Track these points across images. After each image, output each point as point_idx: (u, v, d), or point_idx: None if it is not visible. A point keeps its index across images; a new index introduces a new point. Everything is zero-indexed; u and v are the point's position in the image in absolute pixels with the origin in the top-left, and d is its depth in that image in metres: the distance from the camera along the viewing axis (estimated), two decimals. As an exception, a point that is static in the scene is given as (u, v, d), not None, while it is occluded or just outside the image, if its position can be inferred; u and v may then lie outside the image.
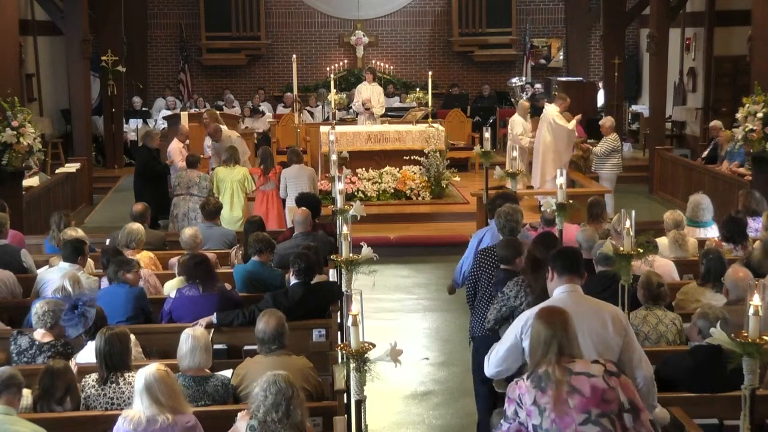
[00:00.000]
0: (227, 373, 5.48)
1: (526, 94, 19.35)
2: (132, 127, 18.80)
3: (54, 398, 5.09)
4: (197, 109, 18.73)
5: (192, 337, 5.25)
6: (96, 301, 6.06)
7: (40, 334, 5.93)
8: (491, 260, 6.40)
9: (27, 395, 5.11)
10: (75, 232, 8.15)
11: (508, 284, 5.70)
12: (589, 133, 16.01)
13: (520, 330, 4.52)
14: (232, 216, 11.21)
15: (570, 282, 4.58)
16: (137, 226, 8.16)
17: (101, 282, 7.30)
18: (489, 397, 6.18)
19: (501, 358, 4.63)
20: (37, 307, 5.98)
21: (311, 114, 18.97)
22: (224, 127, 13.30)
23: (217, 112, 14.86)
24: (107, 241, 9.03)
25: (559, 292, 4.59)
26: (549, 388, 3.82)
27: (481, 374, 5.47)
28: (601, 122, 13.59)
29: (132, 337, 5.70)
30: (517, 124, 14.01)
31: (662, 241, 7.87)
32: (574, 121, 13.19)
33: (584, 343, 4.22)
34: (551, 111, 13.18)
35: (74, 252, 7.33)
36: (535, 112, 15.56)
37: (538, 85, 20.22)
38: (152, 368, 4.64)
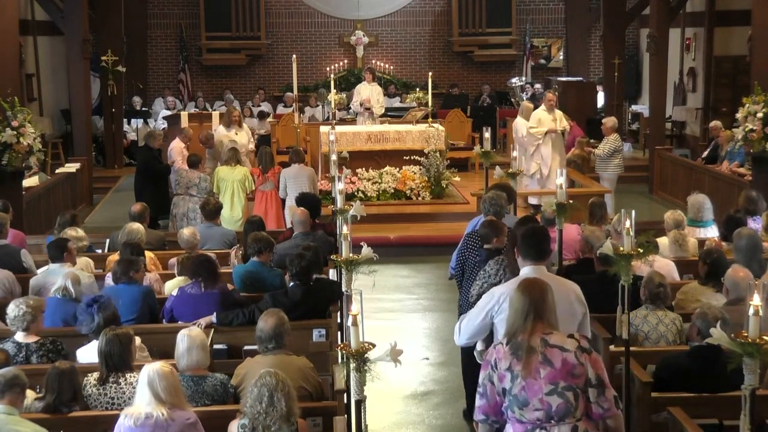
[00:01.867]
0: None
1: (526, 95, 19.32)
2: (132, 127, 18.81)
3: (62, 400, 5.04)
4: (197, 109, 18.74)
5: (188, 337, 5.26)
6: (111, 304, 5.99)
7: (22, 336, 5.87)
8: (477, 242, 6.74)
9: (29, 396, 5.10)
10: (75, 232, 8.15)
11: (490, 263, 5.98)
12: (590, 133, 16.00)
13: (490, 308, 4.89)
14: (232, 216, 11.22)
15: (534, 264, 4.91)
16: (137, 226, 8.16)
17: (103, 281, 7.31)
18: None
19: (471, 331, 5.00)
20: (10, 311, 5.89)
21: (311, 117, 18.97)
22: (220, 130, 13.33)
23: (239, 110, 15.06)
24: (107, 241, 9.04)
25: (525, 271, 4.93)
26: (524, 356, 4.00)
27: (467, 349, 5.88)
28: (603, 122, 13.57)
29: (137, 340, 5.69)
30: (521, 125, 13.89)
31: (662, 241, 7.87)
32: (557, 125, 13.23)
33: None
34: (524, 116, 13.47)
35: (59, 250, 7.32)
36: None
37: (538, 85, 20.18)
38: (156, 365, 4.67)
